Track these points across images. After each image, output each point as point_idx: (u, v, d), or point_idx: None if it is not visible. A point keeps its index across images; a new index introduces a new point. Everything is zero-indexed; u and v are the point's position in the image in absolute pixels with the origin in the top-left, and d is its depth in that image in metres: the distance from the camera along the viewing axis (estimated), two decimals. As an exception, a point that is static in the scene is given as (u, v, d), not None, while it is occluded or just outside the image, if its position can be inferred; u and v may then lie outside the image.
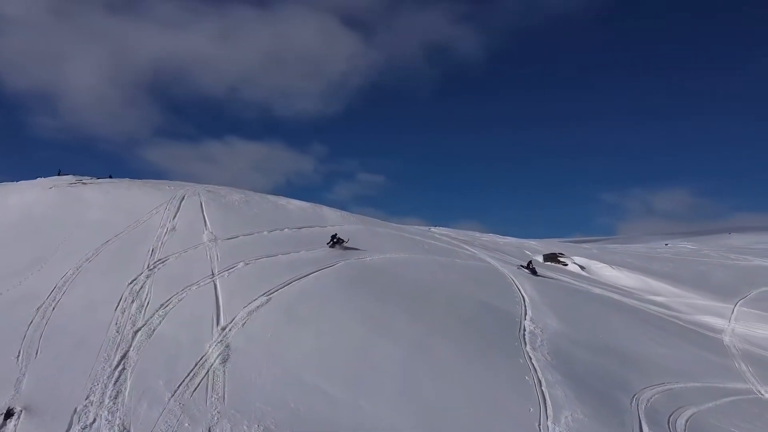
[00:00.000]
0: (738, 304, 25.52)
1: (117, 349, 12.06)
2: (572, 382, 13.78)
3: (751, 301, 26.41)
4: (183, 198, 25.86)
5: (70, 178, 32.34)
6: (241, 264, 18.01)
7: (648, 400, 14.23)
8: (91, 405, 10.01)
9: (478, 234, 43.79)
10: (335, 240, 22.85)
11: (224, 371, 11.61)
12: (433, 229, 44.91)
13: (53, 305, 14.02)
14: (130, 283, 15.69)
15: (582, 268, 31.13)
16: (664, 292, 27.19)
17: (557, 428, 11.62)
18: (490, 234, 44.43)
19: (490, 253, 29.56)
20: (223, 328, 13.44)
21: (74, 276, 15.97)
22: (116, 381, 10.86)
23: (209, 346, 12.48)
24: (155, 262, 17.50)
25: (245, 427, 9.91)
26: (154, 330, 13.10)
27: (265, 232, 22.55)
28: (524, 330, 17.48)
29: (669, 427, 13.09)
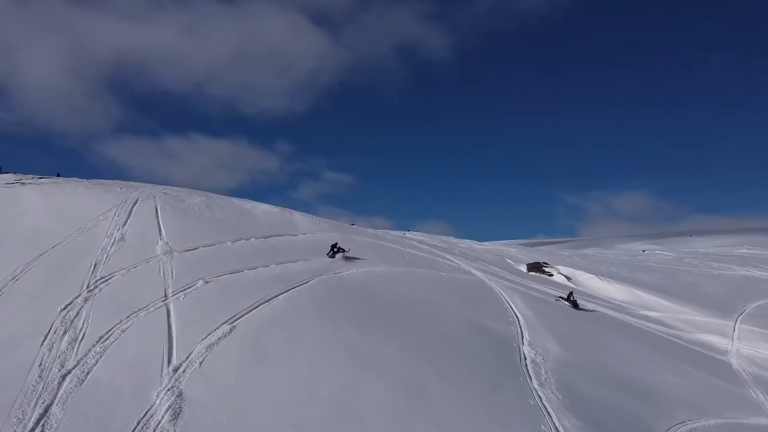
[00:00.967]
0: (738, 321, 24.15)
1: (36, 403, 9.49)
2: (592, 429, 11.78)
3: (750, 318, 25.12)
4: (136, 202, 23.07)
5: (9, 176, 29.06)
6: (201, 282, 15.48)
7: (674, 446, 12.37)
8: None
9: (454, 239, 41.85)
10: (336, 249, 21.05)
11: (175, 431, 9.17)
12: (407, 234, 42.80)
13: (-40, 341, 11.34)
14: (64, 308, 13.03)
15: (568, 278, 29.43)
16: (656, 307, 25.64)
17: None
18: (466, 240, 42.61)
19: (473, 263, 27.56)
20: (176, 369, 10.96)
21: (-6, 300, 13.26)
22: (29, 453, 8.35)
23: (157, 396, 10.01)
24: (97, 281, 14.84)
25: None
26: (87, 373, 10.55)
27: (229, 243, 19.99)
28: (525, 358, 15.45)
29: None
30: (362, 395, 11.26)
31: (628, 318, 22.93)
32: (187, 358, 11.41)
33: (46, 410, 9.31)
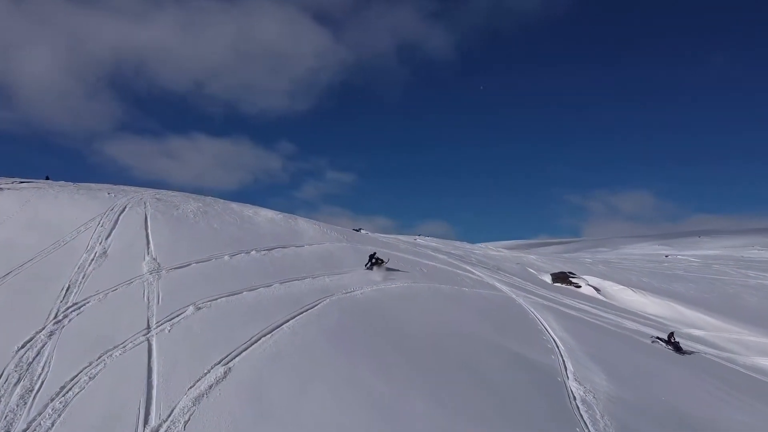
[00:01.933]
0: (798, 342, 21.70)
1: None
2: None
3: (810, 338, 22.68)
4: (124, 209, 20.75)
5: (-11, 180, 26.77)
6: (191, 308, 13.13)
7: None
8: None
9: (468, 245, 39.51)
10: (374, 261, 19.83)
11: None
12: (418, 239, 40.47)
13: None
14: (22, 347, 10.70)
15: (597, 290, 27.03)
16: (700, 323, 23.24)
17: None
18: (480, 244, 40.24)
19: (494, 275, 25.20)
20: (154, 433, 8.62)
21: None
22: None
23: (126, 475, 7.67)
24: (68, 309, 12.50)
25: None
26: (39, 441, 8.22)
27: (226, 257, 17.64)
28: (574, 397, 13.06)
29: None
30: (390, 464, 8.92)
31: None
32: (170, 415, 9.06)
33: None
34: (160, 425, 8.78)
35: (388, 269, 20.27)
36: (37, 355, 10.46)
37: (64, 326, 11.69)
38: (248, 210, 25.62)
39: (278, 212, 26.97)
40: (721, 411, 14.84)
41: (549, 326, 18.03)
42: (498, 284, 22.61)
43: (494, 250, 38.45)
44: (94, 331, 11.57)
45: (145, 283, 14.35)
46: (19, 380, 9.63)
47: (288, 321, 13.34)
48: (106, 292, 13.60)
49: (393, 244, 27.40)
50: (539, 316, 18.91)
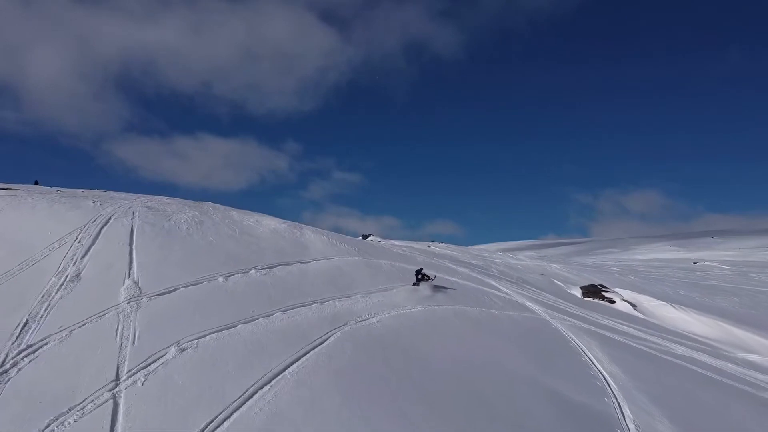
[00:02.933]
0: None
1: None
2: None
3: None
4: (108, 221, 18.41)
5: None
6: (173, 350, 10.75)
7: None
8: None
9: (486, 253, 36.95)
10: (420, 277, 18.69)
11: None
12: (432, 246, 38.02)
13: None
14: (-51, 411, 8.34)
15: (633, 306, 24.48)
16: (756, 347, 20.65)
17: None
18: (499, 252, 37.69)
19: (522, 290, 22.72)
20: None
21: None
22: None
23: None
24: (20, 353, 10.14)
25: None
26: None
27: (221, 279, 15.24)
28: (642, 459, 10.60)
29: None
30: None
31: (730, 367, 17.95)
32: None
33: None
34: None
35: (436, 287, 18.92)
36: (-34, 425, 8.11)
37: (9, 379, 9.32)
38: (250, 219, 23.22)
39: (282, 221, 24.58)
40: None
41: (594, 357, 15.53)
42: (529, 303, 20.11)
43: (514, 258, 35.92)
44: (47, 386, 9.19)
45: (121, 316, 11.97)
46: (-66, 465, 7.29)
47: (292, 365, 10.94)
48: (72, 328, 11.24)
49: (409, 256, 24.93)
50: (581, 345, 16.42)
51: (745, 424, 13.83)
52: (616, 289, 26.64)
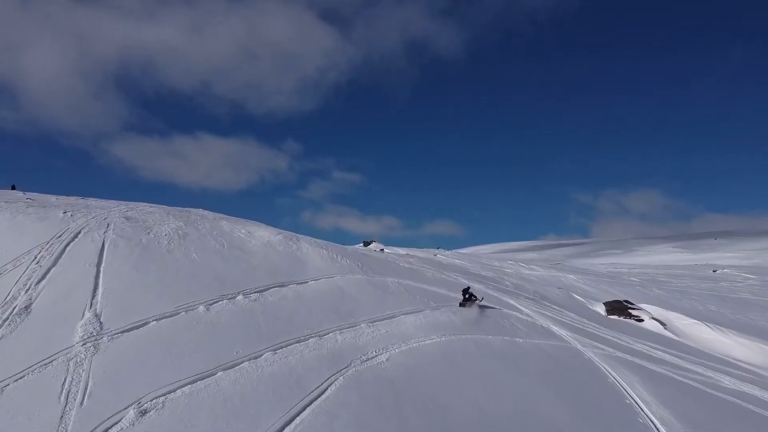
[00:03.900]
0: None
1: None
2: None
3: None
4: (77, 235, 16.13)
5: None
6: (131, 413, 8.46)
7: None
8: None
9: (497, 262, 34.67)
10: (467, 297, 17.80)
11: None
12: (438, 254, 35.75)
13: None
14: None
15: (663, 325, 22.22)
16: (809, 376, 18.37)
17: None
18: (509, 261, 35.44)
19: (544, 310, 20.47)
20: None
21: None
22: None
23: None
24: (-70, 423, 7.86)
25: None
26: None
27: (202, 308, 12.94)
28: None
29: None
30: None
31: (788, 403, 15.66)
32: None
33: None
34: None
35: (481, 306, 17.96)
36: None
37: None
38: (241, 229, 20.92)
39: (278, 231, 22.29)
40: None
41: (640, 398, 13.24)
42: (554, 327, 17.83)
43: (526, 267, 33.68)
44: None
45: (71, 363, 9.68)
46: None
47: (283, 429, 8.67)
48: (6, 382, 8.96)
49: (417, 271, 22.62)
50: (621, 381, 14.13)
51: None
52: (643, 305, 24.37)
